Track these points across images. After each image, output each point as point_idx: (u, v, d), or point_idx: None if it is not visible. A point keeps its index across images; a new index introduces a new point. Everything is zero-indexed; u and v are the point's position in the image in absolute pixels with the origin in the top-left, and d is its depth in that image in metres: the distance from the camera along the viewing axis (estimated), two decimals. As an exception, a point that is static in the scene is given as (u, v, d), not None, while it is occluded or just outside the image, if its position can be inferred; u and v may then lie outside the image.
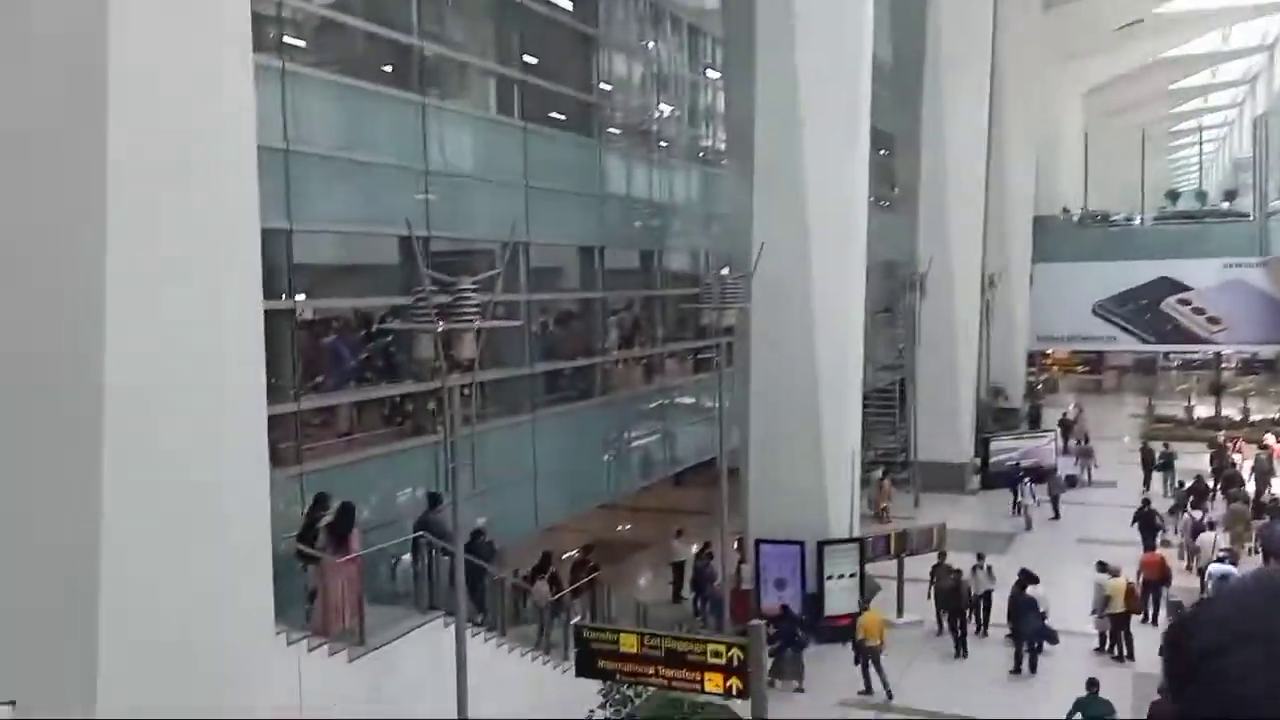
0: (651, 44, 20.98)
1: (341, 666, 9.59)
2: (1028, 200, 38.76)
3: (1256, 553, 20.55)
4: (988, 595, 17.22)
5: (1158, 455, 27.70)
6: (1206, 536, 19.96)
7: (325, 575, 10.13)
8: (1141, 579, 17.80)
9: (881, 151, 30.52)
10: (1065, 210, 45.22)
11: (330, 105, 12.41)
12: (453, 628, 9.76)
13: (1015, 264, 37.05)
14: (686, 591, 19.20)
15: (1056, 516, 24.81)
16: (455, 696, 9.53)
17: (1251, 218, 41.50)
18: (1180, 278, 40.03)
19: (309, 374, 12.26)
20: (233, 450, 7.26)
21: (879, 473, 25.70)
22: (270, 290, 11.29)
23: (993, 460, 28.09)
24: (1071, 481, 27.95)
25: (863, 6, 18.26)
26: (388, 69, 13.71)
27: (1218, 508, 22.78)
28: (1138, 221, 44.52)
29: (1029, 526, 23.74)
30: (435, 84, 14.38)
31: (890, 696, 15.21)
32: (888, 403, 29.19)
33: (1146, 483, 26.82)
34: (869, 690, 15.30)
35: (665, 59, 21.48)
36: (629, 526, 24.15)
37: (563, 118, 17.54)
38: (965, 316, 29.06)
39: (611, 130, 19.32)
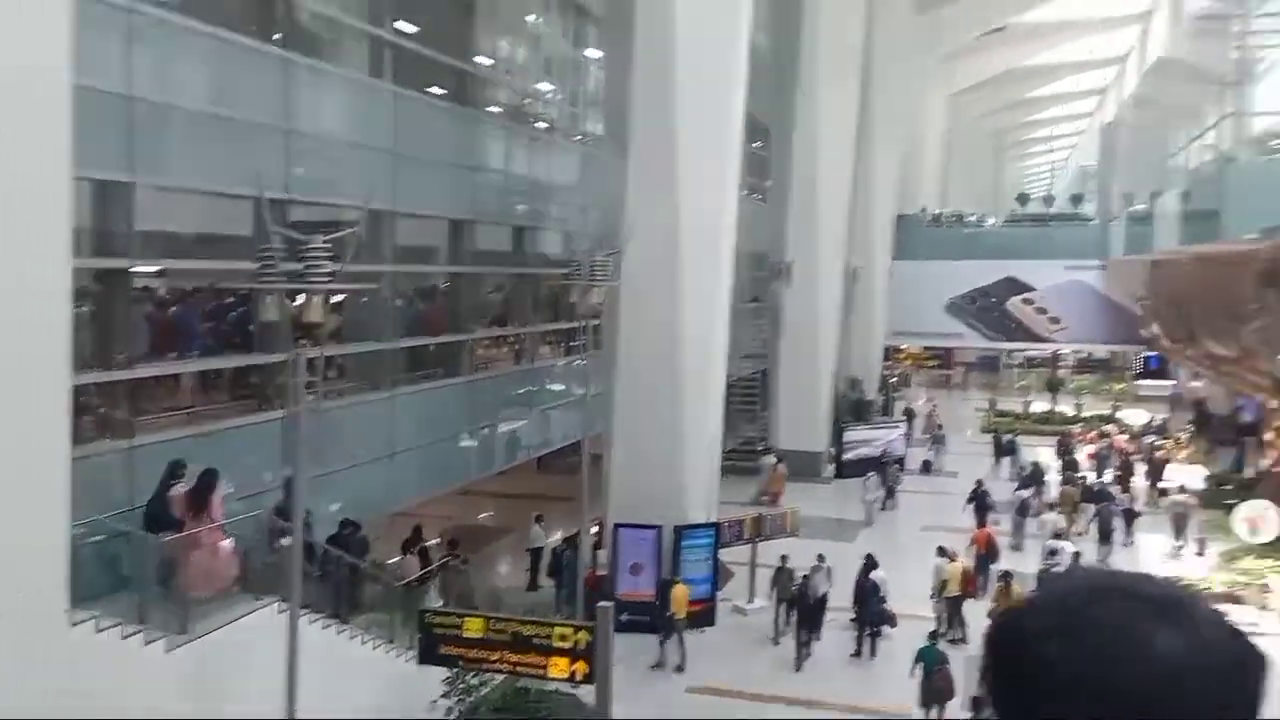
0: (535, 19, 20.57)
1: (158, 656, 8.85)
2: (891, 198, 39.98)
3: (1084, 534, 22.05)
4: (824, 598, 16.98)
5: (1004, 440, 30.27)
6: (1049, 516, 21.64)
7: (185, 545, 9.52)
8: (975, 554, 18.99)
9: (756, 143, 30.91)
10: (924, 209, 46.88)
11: (181, 51, 11.60)
12: (288, 614, 9.28)
13: (876, 260, 38.20)
14: (546, 579, 19.00)
15: (884, 508, 25.43)
16: (285, 689, 9.06)
17: (1094, 222, 43.93)
18: (1025, 278, 42.05)
19: (153, 342, 11.51)
20: (27, 418, 6.58)
21: (771, 459, 26.17)
22: (109, 249, 10.57)
23: (846, 449, 28.96)
24: (927, 467, 30.02)
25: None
26: (249, 17, 12.94)
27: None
28: (990, 222, 46.49)
29: (869, 521, 24.28)
30: (302, 39, 13.66)
31: (681, 670, 15.53)
32: (750, 391, 29.67)
33: (997, 467, 29.15)
34: (662, 665, 15.61)
35: (548, 36, 21.11)
36: (490, 513, 23.80)
37: (440, 89, 16.99)
38: (827, 309, 29.76)
39: (490, 106, 18.85)
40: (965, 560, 18.19)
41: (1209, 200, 25.20)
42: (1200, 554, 21.66)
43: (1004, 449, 29.98)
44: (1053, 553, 18.47)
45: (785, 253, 27.96)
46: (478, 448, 17.55)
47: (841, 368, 33.86)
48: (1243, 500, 21.39)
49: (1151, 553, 22.16)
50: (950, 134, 62.46)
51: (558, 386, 20.13)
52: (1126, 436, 31.97)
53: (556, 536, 19.82)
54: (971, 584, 17.63)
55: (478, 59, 18.30)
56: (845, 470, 28.30)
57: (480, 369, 17.98)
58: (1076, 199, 50.85)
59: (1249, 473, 27.15)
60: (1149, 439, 31.38)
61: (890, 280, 40.39)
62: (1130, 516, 22.93)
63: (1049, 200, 51.42)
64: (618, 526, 17.35)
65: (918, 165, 51.55)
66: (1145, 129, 42.78)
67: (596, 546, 17.91)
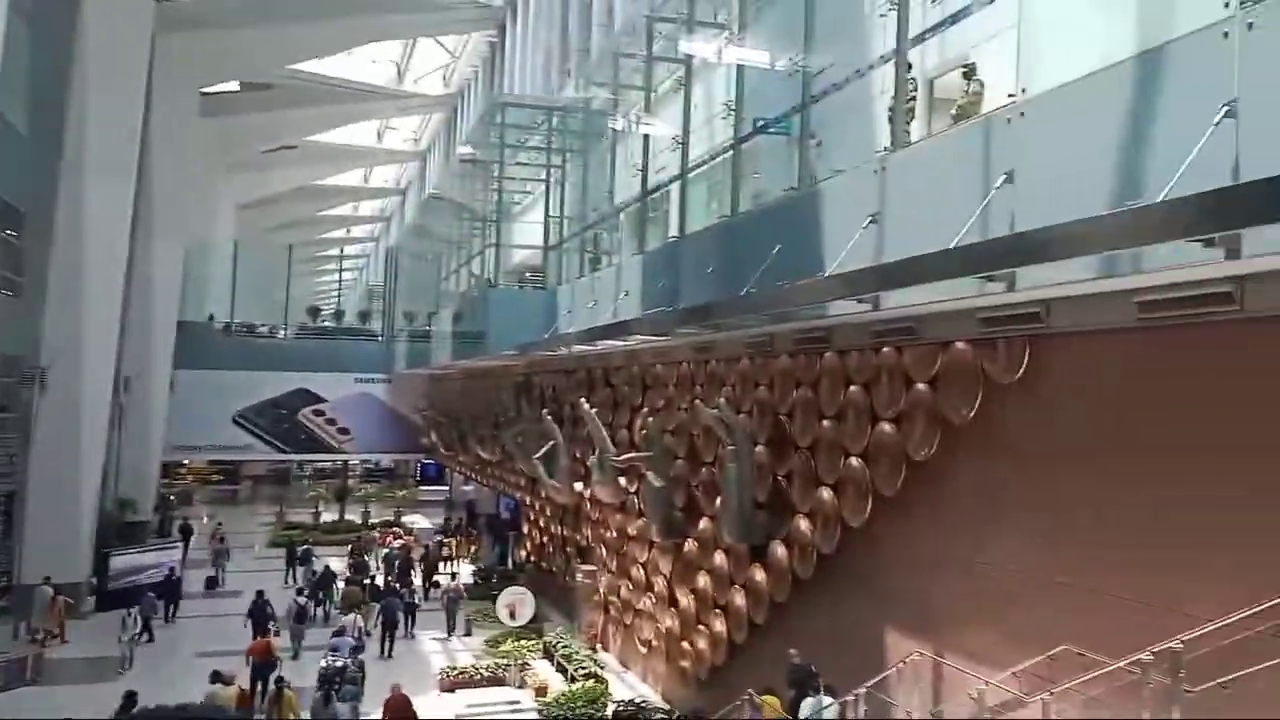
0: None
1: None
2: (173, 303, 37.56)
3: (372, 633, 22.40)
4: None
5: (298, 551, 30.18)
6: (349, 617, 21.70)
7: None
8: (251, 663, 18.53)
9: (8, 231, 26.76)
10: (212, 317, 45.12)
11: None
12: None
13: (155, 368, 35.35)
14: None
15: (150, 639, 23.02)
16: None
17: (380, 338, 46.41)
18: (317, 389, 42.66)
19: None
20: None
21: (48, 590, 21.92)
22: None
23: (112, 577, 25.85)
24: (211, 584, 28.83)
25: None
26: None
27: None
28: (281, 335, 46.45)
29: (126, 664, 20.95)
30: None
31: None
32: (-12, 518, 24.88)
33: (291, 577, 29.00)
34: None
35: None
36: None
37: None
38: (94, 421, 26.44)
39: None
40: (243, 680, 17.19)
41: (476, 321, 28.12)
42: (468, 634, 23.83)
43: (298, 559, 29.67)
44: (334, 649, 18.67)
45: (40, 356, 24.37)
46: None
47: (110, 487, 30.37)
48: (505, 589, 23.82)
49: (428, 642, 23.64)
50: (241, 244, 61.57)
51: None
52: (413, 538, 33.73)
53: None
54: (248, 702, 16.63)
55: None
56: (109, 601, 25.05)
57: None
58: (364, 315, 53.39)
59: (511, 565, 30.32)
60: (436, 538, 33.66)
61: (172, 391, 37.73)
62: (411, 610, 24.39)
63: (339, 315, 53.22)
64: None
65: (205, 272, 49.57)
66: (423, 255, 46.71)
67: None
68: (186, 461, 46.44)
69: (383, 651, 22.03)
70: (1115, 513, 8.79)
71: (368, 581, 26.66)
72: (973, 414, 10.42)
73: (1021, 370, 9.77)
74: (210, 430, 40.34)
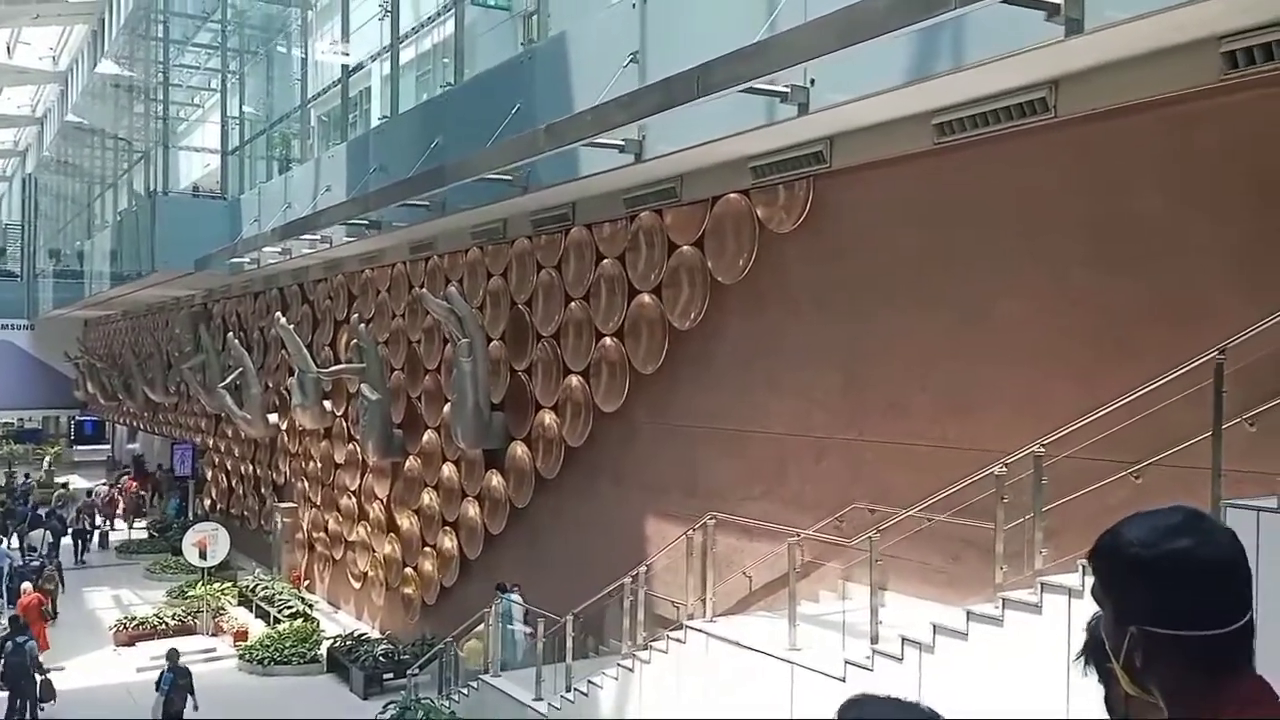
0: None
1: None
2: None
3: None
4: None
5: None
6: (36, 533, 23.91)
7: None
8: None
9: None
10: None
11: None
12: None
13: None
14: None
15: None
16: None
17: (19, 278, 39.98)
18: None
19: None
20: None
21: None
22: None
23: None
24: None
25: None
26: None
27: None
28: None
29: None
30: None
31: None
32: None
33: None
34: None
35: None
36: None
37: None
38: None
39: None
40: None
41: (141, 242, 24.09)
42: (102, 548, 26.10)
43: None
44: None
45: None
46: None
47: None
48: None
49: (98, 599, 21.39)
50: None
51: None
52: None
53: None
54: None
55: None
56: None
57: None
58: (-1, 254, 46.01)
59: (192, 516, 26.90)
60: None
61: None
62: (80, 535, 25.73)
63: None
64: None
65: None
66: (69, 183, 40.33)
67: None
68: None
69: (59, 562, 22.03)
70: (904, 356, 8.22)
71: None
72: (746, 270, 9.54)
73: (803, 215, 8.97)
74: None
